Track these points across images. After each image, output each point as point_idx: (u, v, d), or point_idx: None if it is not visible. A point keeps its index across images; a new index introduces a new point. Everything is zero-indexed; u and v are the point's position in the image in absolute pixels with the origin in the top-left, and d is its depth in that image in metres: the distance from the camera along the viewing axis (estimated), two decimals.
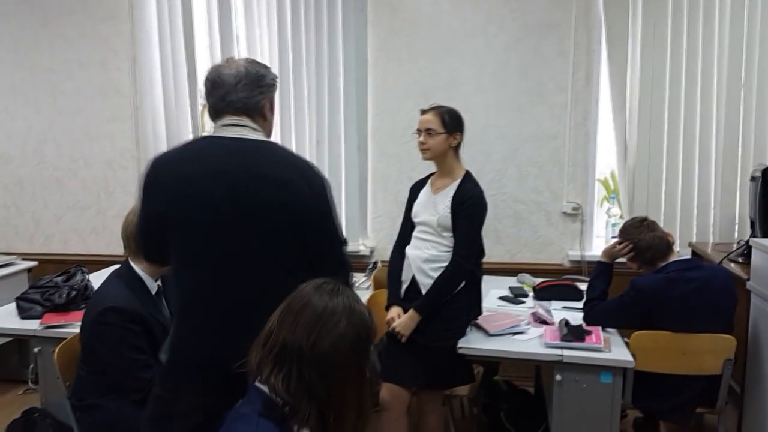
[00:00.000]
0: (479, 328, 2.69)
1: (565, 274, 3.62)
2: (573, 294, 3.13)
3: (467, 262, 2.58)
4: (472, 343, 2.57)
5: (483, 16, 3.76)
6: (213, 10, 3.94)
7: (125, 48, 4.12)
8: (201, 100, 4.21)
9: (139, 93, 4.08)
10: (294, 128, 3.95)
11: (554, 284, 3.24)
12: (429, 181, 2.75)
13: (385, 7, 3.84)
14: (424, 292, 2.60)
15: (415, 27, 3.83)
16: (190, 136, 4.14)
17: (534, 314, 2.86)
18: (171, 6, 3.96)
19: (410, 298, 2.65)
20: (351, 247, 3.92)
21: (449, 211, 2.58)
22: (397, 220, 3.90)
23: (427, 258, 2.61)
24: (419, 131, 2.64)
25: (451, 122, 2.62)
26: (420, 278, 2.63)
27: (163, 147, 4.05)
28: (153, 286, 2.37)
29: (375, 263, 3.65)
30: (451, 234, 2.59)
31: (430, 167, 2.74)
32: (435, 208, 2.63)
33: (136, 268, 2.34)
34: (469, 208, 2.57)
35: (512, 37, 3.75)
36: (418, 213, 2.71)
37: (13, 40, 4.23)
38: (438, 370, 2.59)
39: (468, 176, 2.66)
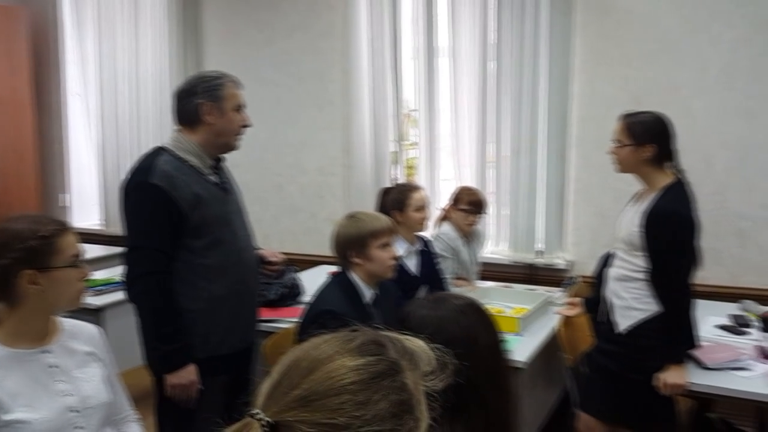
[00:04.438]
0: (693, 359, 2.42)
1: None
2: None
3: (677, 291, 2.28)
4: None
5: (706, 13, 3.41)
6: (419, 24, 4.05)
7: (339, 62, 4.38)
8: (404, 110, 4.36)
9: (349, 103, 4.32)
10: (493, 137, 3.91)
11: None
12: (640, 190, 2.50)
13: (595, 9, 3.65)
14: (614, 313, 2.40)
15: (627, 28, 3.59)
16: (393, 145, 4.31)
17: (760, 348, 2.52)
18: (381, 21, 4.14)
19: (605, 319, 2.47)
20: (547, 260, 3.79)
21: (640, 228, 2.31)
22: (598, 233, 3.74)
23: (617, 277, 2.41)
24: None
25: (642, 133, 2.32)
26: (611, 299, 2.44)
27: (368, 155, 4.27)
28: (368, 294, 2.41)
29: (573, 278, 3.47)
30: (642, 253, 2.32)
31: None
32: (628, 222, 2.40)
33: (353, 276, 2.40)
34: (662, 226, 2.27)
35: (740, 35, 3.35)
36: (618, 226, 2.50)
37: (244, 57, 4.70)
38: (628, 405, 2.37)
39: (670, 189, 2.33)
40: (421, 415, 0.79)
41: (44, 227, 1.60)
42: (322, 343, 0.83)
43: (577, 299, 2.75)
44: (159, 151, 2.21)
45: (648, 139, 2.33)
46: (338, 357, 0.79)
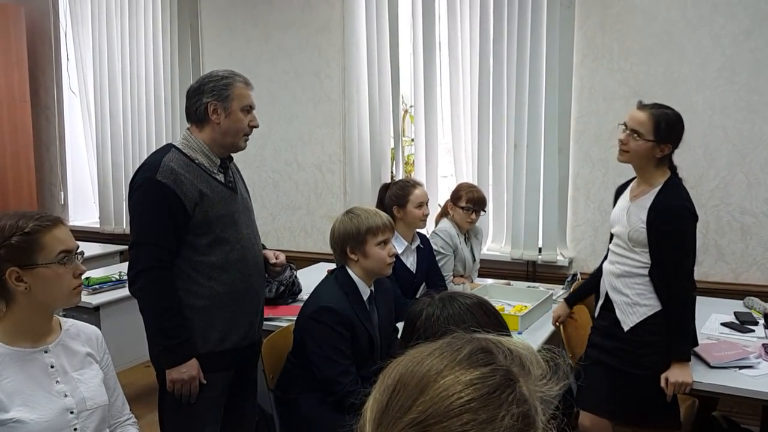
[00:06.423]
0: (698, 357, 2.39)
1: None
2: None
3: (682, 287, 2.24)
4: None
5: (707, 6, 3.37)
6: (417, 19, 4.01)
7: (336, 58, 4.34)
8: (403, 105, 4.32)
9: (347, 100, 4.28)
10: (492, 132, 3.87)
11: None
12: (630, 185, 2.43)
13: (595, 2, 3.61)
14: (617, 310, 2.36)
15: (627, 22, 3.55)
16: (391, 141, 4.27)
17: (765, 346, 2.48)
18: (379, 16, 4.10)
19: (604, 315, 2.44)
20: (547, 257, 3.76)
21: (644, 224, 2.27)
22: (599, 230, 3.71)
23: (620, 274, 2.36)
24: (625, 125, 2.29)
25: (666, 131, 2.23)
26: (612, 295, 2.39)
27: (366, 151, 4.23)
28: (366, 291, 2.38)
29: (574, 275, 3.43)
30: (645, 249, 2.28)
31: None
32: (628, 219, 2.34)
33: (351, 272, 2.37)
34: (670, 221, 2.23)
35: (742, 28, 3.31)
36: (613, 222, 2.44)
37: (241, 53, 4.66)
38: (630, 401, 2.34)
39: (669, 183, 2.29)
40: (542, 426, 0.71)
41: (27, 223, 1.55)
42: (426, 357, 0.73)
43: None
44: (168, 148, 2.23)
45: (668, 138, 2.25)
46: (448, 372, 0.70)
